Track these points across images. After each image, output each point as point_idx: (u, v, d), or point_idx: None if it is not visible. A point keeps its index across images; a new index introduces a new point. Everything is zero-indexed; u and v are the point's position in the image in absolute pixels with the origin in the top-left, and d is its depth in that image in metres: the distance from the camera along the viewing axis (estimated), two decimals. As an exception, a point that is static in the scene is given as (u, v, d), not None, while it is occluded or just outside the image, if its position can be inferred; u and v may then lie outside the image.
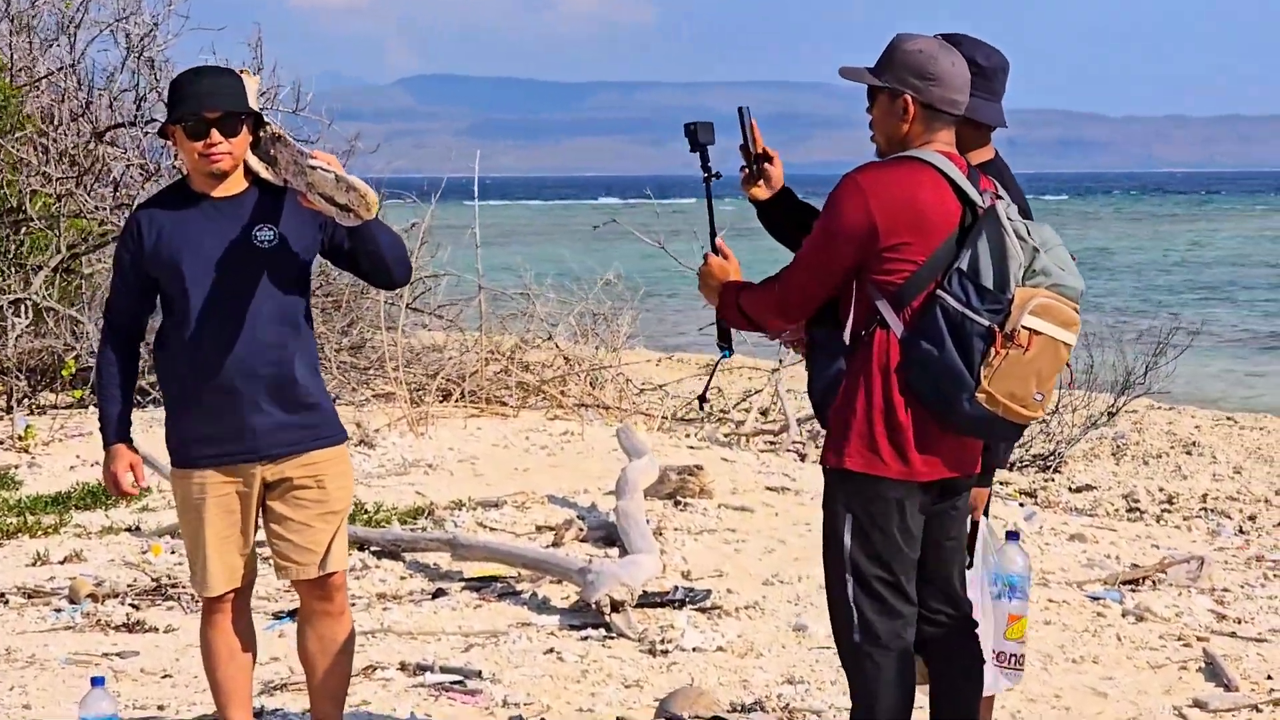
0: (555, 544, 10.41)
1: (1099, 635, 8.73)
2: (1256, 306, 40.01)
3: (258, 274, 5.88)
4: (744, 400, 18.00)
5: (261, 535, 6.22)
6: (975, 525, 5.69)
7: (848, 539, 5.25)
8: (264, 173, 5.93)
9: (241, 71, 6.00)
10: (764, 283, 5.42)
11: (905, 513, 5.24)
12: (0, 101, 15.43)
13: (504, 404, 15.70)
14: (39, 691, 7.82)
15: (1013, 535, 5.74)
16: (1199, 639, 8.42)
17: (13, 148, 15.46)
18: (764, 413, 17.53)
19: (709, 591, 9.31)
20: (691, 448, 13.72)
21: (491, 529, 10.86)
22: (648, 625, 8.73)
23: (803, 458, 14.56)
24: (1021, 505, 12.95)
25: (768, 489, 12.04)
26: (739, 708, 7.34)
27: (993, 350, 5.08)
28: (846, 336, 5.27)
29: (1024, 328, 5.08)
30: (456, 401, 15.50)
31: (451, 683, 7.84)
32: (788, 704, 7.39)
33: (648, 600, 9.09)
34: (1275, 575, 10.53)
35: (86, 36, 16.57)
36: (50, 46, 16.76)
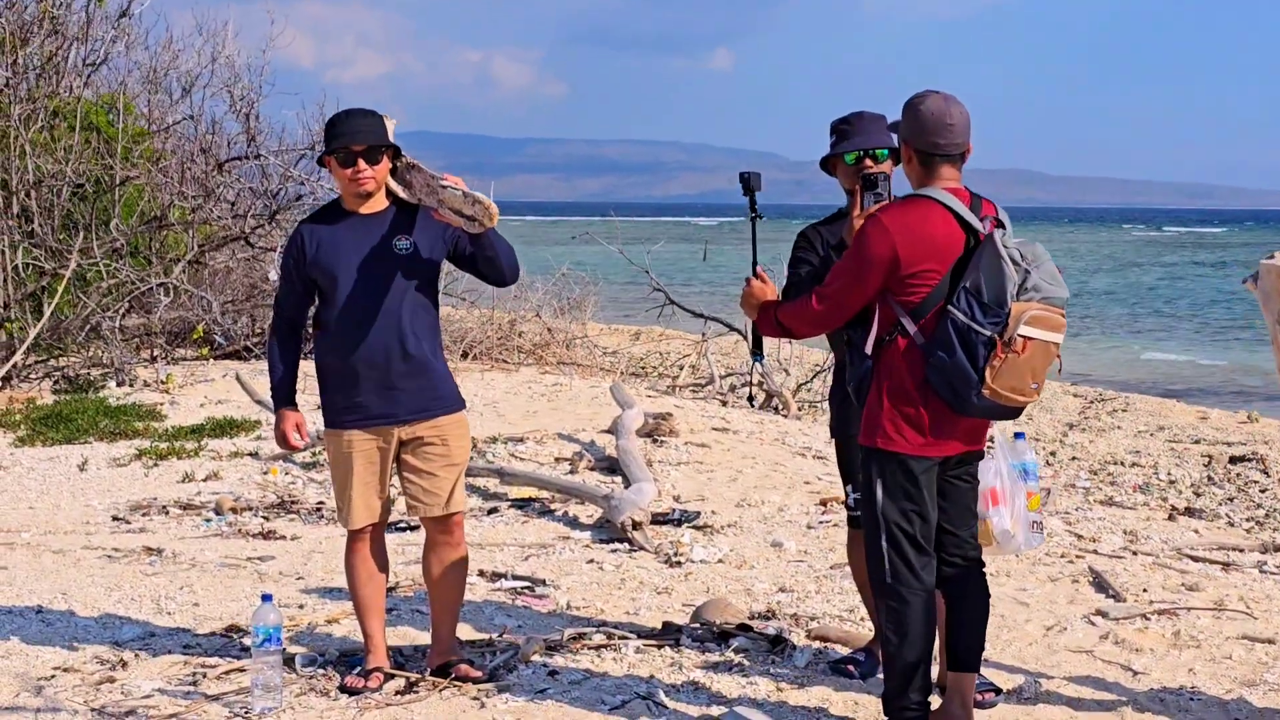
0: (572, 472, 9.21)
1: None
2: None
3: (395, 275, 5.00)
4: (678, 361, 16.56)
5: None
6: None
7: (880, 501, 4.40)
8: (401, 193, 5.06)
9: (383, 116, 5.10)
10: (799, 300, 4.53)
11: (924, 481, 4.40)
12: (130, 142, 14.35)
13: (505, 362, 14.47)
14: (203, 590, 6.62)
15: (1019, 435, 5.01)
16: (1078, 555, 7.30)
17: (152, 174, 14.38)
18: (693, 368, 16.11)
19: (699, 513, 8.14)
20: (649, 396, 12.51)
21: (522, 460, 9.67)
22: (661, 541, 7.55)
23: (725, 403, 13.30)
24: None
25: (714, 429, 10.85)
26: (754, 615, 6.13)
27: (994, 355, 4.21)
28: (871, 341, 4.41)
29: (1020, 335, 4.21)
30: (472, 359, 14.27)
31: (523, 588, 6.64)
32: (794, 612, 6.15)
33: (655, 520, 7.92)
34: (1094, 501, 9.47)
35: (200, 94, 15.31)
36: (176, 103, 15.57)
